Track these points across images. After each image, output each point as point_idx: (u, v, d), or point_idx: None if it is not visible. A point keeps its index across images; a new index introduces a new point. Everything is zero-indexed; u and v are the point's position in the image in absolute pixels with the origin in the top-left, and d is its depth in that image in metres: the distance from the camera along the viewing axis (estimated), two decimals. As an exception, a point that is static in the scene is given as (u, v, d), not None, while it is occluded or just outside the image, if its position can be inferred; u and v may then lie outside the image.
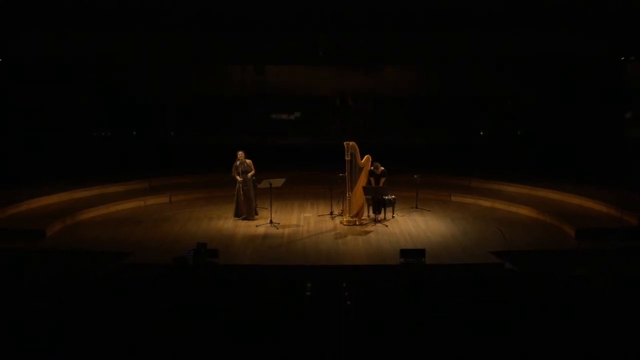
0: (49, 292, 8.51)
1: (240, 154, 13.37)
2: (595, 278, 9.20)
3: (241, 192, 13.41)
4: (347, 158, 13.07)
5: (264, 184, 12.99)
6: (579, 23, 16.29)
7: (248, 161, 13.39)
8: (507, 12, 16.22)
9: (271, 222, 13.12)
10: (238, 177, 13.31)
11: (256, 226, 13.01)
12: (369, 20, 16.74)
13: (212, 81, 19.39)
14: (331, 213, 13.93)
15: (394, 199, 13.63)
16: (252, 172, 13.37)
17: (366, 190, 13.18)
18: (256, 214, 13.65)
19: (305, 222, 13.50)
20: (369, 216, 13.55)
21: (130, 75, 18.60)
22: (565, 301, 8.02)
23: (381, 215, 13.48)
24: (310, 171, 16.57)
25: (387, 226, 13.05)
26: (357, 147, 13.12)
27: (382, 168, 13.42)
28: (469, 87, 18.86)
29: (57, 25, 16.33)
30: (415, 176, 14.55)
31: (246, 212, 13.50)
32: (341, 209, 13.72)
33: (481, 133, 19.63)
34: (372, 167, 13.31)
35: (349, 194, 13.23)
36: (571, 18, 16.24)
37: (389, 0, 16.32)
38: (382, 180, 13.41)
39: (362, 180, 13.19)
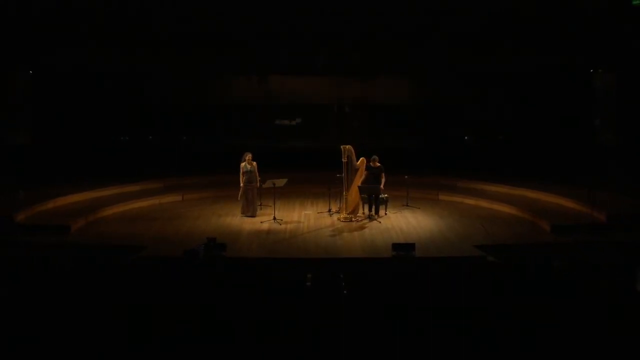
0: (72, 281, 8.57)
1: (248, 156, 13.25)
2: (568, 268, 9.25)
3: (245, 193, 13.34)
4: (344, 160, 13.11)
5: (267, 184, 13.02)
6: (553, 38, 16.48)
7: (254, 163, 13.29)
8: (489, 30, 16.42)
9: (275, 218, 13.14)
10: (241, 182, 13.22)
11: (261, 222, 13.04)
12: (364, 35, 16.90)
13: (221, 90, 19.41)
14: (329, 210, 13.94)
15: (386, 197, 13.68)
16: (258, 179, 13.21)
17: (361, 189, 13.21)
18: (256, 210, 13.51)
19: (306, 219, 13.51)
20: (363, 213, 13.58)
21: (147, 85, 18.63)
22: (541, 288, 8.08)
23: (375, 213, 13.51)
24: (310, 172, 16.57)
25: (380, 222, 13.08)
26: (352, 150, 13.15)
27: (379, 164, 13.35)
28: (455, 96, 18.89)
29: (84, 42, 16.54)
30: (406, 177, 14.58)
31: (250, 210, 13.44)
32: (338, 206, 13.75)
33: (466, 138, 19.65)
34: (370, 163, 13.27)
35: (345, 193, 13.27)
36: (546, 33, 16.43)
37: (382, 18, 16.50)
38: (382, 175, 13.23)
39: (358, 180, 13.22)
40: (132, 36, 16.72)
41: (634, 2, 15.24)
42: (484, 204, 14.83)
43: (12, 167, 16.20)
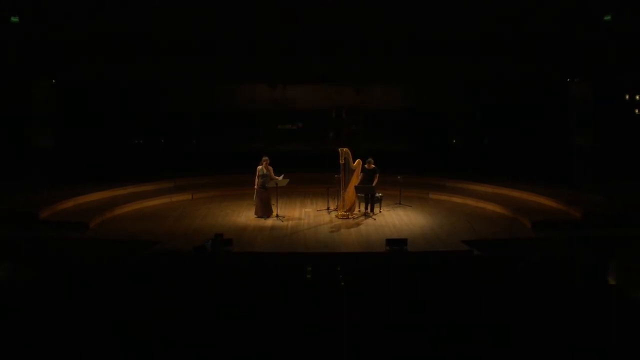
0: (93, 273, 8.61)
1: (265, 161, 12.97)
2: (546, 261, 9.30)
3: (259, 195, 13.12)
4: (341, 162, 13.13)
5: (271, 184, 13.00)
6: (532, 50, 16.64)
7: (270, 168, 13.01)
8: (473, 42, 16.55)
9: (277, 216, 13.16)
10: (255, 184, 13.03)
11: (264, 219, 13.07)
12: (360, 47, 17.00)
13: (228, 97, 19.43)
14: (328, 208, 13.95)
15: (381, 196, 13.71)
16: (272, 180, 12.92)
17: (357, 189, 13.24)
18: (272, 212, 13.22)
19: (306, 216, 13.51)
20: (359, 211, 13.60)
21: (160, 92, 18.66)
22: (522, 279, 8.13)
23: (370, 211, 13.54)
24: (310, 173, 16.58)
25: (375, 219, 13.10)
26: (349, 153, 13.18)
27: (374, 165, 13.40)
28: (444, 103, 18.93)
29: (102, 55, 16.66)
30: (399, 177, 14.59)
31: (262, 212, 13.17)
32: (336, 205, 13.77)
33: (454, 141, 19.69)
34: (365, 165, 13.29)
35: (343, 192, 13.30)
36: (529, 46, 16.58)
37: (377, 31, 16.60)
38: (376, 176, 13.29)
39: (354, 180, 13.23)
40: (146, 48, 16.80)
41: (606, 18, 15.45)
42: (470, 202, 14.86)
43: (36, 169, 16.27)
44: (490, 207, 14.30)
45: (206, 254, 10.08)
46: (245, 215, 13.46)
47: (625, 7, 15.17)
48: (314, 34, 16.63)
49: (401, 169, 15.24)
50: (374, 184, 13.27)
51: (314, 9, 15.90)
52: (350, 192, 13.26)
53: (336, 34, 16.58)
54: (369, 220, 13.08)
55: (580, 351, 5.76)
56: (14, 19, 15.24)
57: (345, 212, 13.29)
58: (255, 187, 13.10)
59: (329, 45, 16.93)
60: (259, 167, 13.03)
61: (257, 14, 16.22)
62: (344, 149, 13.14)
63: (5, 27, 15.45)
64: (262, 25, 16.54)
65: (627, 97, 16.49)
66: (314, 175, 15.94)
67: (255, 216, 13.21)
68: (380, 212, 13.66)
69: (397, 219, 13.26)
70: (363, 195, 13.44)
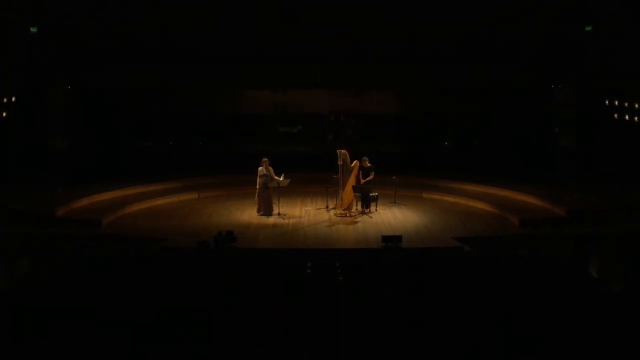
0: (107, 267, 8.67)
1: (265, 161, 13.06)
2: (533, 257, 9.38)
3: (261, 194, 13.20)
4: (340, 163, 13.19)
5: (272, 184, 13.05)
6: (522, 58, 16.75)
7: (270, 169, 13.07)
8: (465, 50, 16.65)
9: (279, 214, 13.23)
10: (257, 184, 13.10)
11: (266, 217, 13.12)
12: (357, 54, 17.07)
13: (231, 100, 19.45)
14: (327, 207, 14.03)
15: (377, 195, 13.76)
16: (274, 180, 12.98)
17: (355, 188, 13.31)
18: (273, 210, 13.31)
19: (306, 215, 13.56)
20: (357, 209, 13.67)
21: (168, 97, 18.68)
22: (510, 274, 8.20)
23: (367, 209, 13.61)
24: (310, 173, 16.61)
25: (371, 217, 13.18)
26: (347, 154, 13.25)
27: (369, 164, 13.47)
28: (437, 107, 18.94)
29: (111, 61, 16.72)
30: (394, 177, 14.65)
31: (264, 210, 13.26)
32: (335, 203, 13.85)
33: (446, 143, 19.71)
34: (361, 163, 13.37)
35: (341, 192, 13.37)
36: (516, 54, 16.68)
37: (374, 39, 16.66)
38: (372, 173, 13.40)
39: (352, 180, 13.29)
40: (154, 54, 16.87)
41: (587, 29, 15.60)
42: (461, 201, 14.89)
43: (52, 170, 16.32)
44: (480, 205, 14.35)
45: (208, 250, 10.09)
46: (248, 214, 13.51)
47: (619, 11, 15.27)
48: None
49: (397, 170, 15.29)
50: (370, 178, 13.36)
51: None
52: (348, 191, 13.32)
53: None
54: (366, 218, 13.15)
55: (566, 346, 5.80)
56: (33, 29, 15.27)
57: (344, 210, 13.36)
58: (257, 186, 13.17)
59: (329, 49, 16.99)
60: (260, 168, 13.12)
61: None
62: (342, 151, 13.21)
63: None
64: (262, 27, 16.61)
65: (607, 102, 16.57)
66: (313, 175, 15.98)
67: (258, 214, 13.29)
68: (376, 210, 13.73)
69: (392, 217, 13.33)
70: (360, 194, 13.50)
